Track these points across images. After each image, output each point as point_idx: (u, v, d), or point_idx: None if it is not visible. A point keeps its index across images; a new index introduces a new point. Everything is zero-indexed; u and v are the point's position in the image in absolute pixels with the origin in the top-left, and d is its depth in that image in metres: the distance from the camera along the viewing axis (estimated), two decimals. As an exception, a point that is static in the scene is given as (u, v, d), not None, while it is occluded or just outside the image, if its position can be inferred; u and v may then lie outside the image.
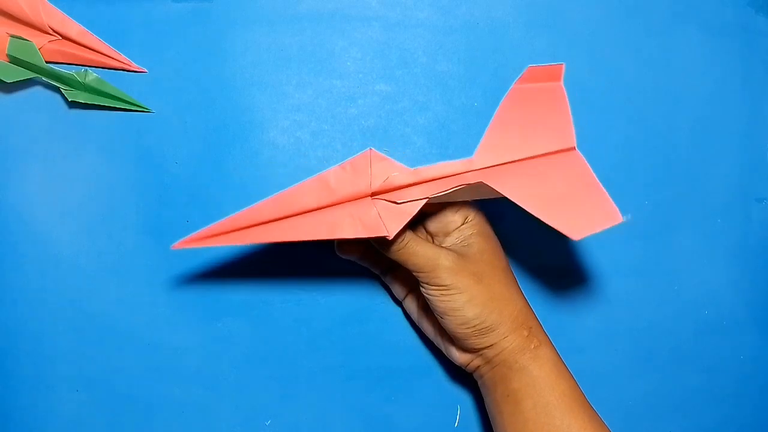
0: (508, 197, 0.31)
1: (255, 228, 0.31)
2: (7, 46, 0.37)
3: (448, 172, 0.31)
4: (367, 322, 0.40)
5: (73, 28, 0.38)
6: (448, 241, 0.34)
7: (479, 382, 0.35)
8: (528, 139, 0.32)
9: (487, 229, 0.35)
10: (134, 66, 0.39)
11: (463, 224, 0.34)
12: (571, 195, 0.31)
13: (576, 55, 0.40)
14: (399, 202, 0.31)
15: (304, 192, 0.31)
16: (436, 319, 0.35)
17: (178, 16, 0.39)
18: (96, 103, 0.38)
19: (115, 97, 0.38)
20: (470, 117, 0.40)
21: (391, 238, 0.30)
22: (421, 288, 0.33)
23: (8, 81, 0.37)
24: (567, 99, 0.33)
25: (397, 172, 0.31)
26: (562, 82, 0.33)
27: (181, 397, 0.39)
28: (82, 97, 0.38)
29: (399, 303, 0.39)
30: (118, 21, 0.39)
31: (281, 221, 0.31)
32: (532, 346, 0.33)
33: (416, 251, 0.32)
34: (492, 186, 0.31)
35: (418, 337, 0.40)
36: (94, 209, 0.39)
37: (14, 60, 0.37)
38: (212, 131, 0.39)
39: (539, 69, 0.32)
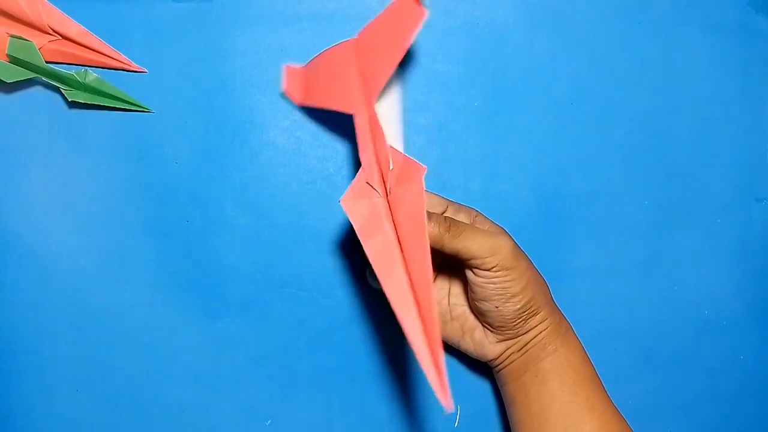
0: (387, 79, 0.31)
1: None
2: (7, 46, 0.37)
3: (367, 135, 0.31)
4: (367, 322, 0.40)
5: (73, 28, 0.38)
6: None
7: (504, 371, 0.35)
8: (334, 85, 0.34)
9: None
10: (134, 66, 0.39)
11: (473, 221, 0.35)
12: (385, 33, 0.31)
13: (576, 55, 0.40)
14: (391, 167, 0.30)
15: (387, 266, 0.28)
16: (463, 322, 0.35)
17: (178, 16, 0.39)
18: (96, 103, 0.38)
19: (115, 97, 0.38)
20: (470, 117, 0.40)
21: (425, 169, 0.29)
22: (476, 276, 0.32)
23: (8, 81, 0.37)
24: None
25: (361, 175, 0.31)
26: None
27: (181, 397, 0.39)
28: (82, 97, 0.38)
29: None
30: (118, 21, 0.39)
31: (413, 290, 0.28)
32: (563, 330, 0.34)
33: (475, 236, 0.31)
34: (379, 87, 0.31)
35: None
36: (94, 209, 0.39)
37: (14, 60, 0.37)
38: (212, 131, 0.39)
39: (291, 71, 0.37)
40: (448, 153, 0.40)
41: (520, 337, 0.34)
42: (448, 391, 0.25)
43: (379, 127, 0.31)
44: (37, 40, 0.38)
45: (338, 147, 0.39)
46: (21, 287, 0.39)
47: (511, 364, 0.34)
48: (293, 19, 0.39)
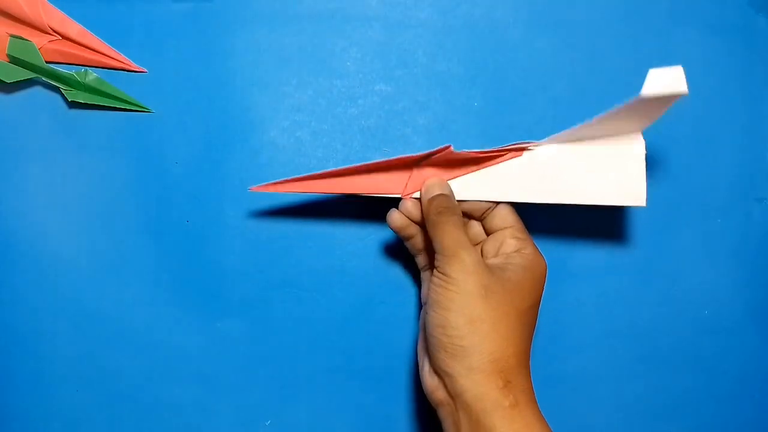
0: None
1: (328, 179, 0.34)
2: (7, 46, 0.37)
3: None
4: (367, 322, 0.40)
5: (73, 28, 0.38)
6: (493, 259, 0.32)
7: (444, 424, 0.30)
8: None
9: (536, 272, 0.32)
10: (134, 66, 0.39)
11: (515, 252, 0.32)
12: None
13: (576, 55, 0.40)
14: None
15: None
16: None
17: (178, 16, 0.39)
18: (96, 103, 0.38)
19: (115, 97, 0.38)
20: (470, 117, 0.40)
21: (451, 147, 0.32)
22: (433, 270, 0.31)
23: (8, 81, 0.37)
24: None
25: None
26: None
27: (181, 397, 0.39)
28: (82, 97, 0.38)
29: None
30: (118, 21, 0.39)
31: (353, 176, 0.34)
32: (507, 404, 0.27)
33: (451, 230, 0.30)
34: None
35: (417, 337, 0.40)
36: (94, 209, 0.39)
37: (14, 60, 0.37)
38: (212, 131, 0.39)
39: None
40: (448, 153, 0.40)
41: (445, 381, 0.29)
42: (257, 188, 0.35)
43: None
44: (37, 40, 0.38)
45: (338, 147, 0.39)
46: (21, 287, 0.39)
47: (446, 419, 0.29)
48: (293, 19, 0.39)
